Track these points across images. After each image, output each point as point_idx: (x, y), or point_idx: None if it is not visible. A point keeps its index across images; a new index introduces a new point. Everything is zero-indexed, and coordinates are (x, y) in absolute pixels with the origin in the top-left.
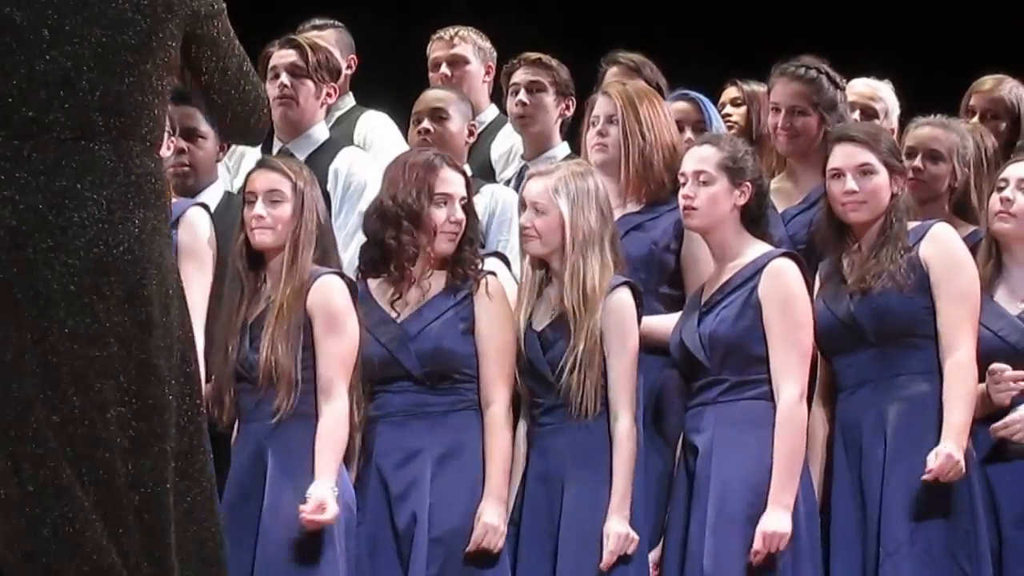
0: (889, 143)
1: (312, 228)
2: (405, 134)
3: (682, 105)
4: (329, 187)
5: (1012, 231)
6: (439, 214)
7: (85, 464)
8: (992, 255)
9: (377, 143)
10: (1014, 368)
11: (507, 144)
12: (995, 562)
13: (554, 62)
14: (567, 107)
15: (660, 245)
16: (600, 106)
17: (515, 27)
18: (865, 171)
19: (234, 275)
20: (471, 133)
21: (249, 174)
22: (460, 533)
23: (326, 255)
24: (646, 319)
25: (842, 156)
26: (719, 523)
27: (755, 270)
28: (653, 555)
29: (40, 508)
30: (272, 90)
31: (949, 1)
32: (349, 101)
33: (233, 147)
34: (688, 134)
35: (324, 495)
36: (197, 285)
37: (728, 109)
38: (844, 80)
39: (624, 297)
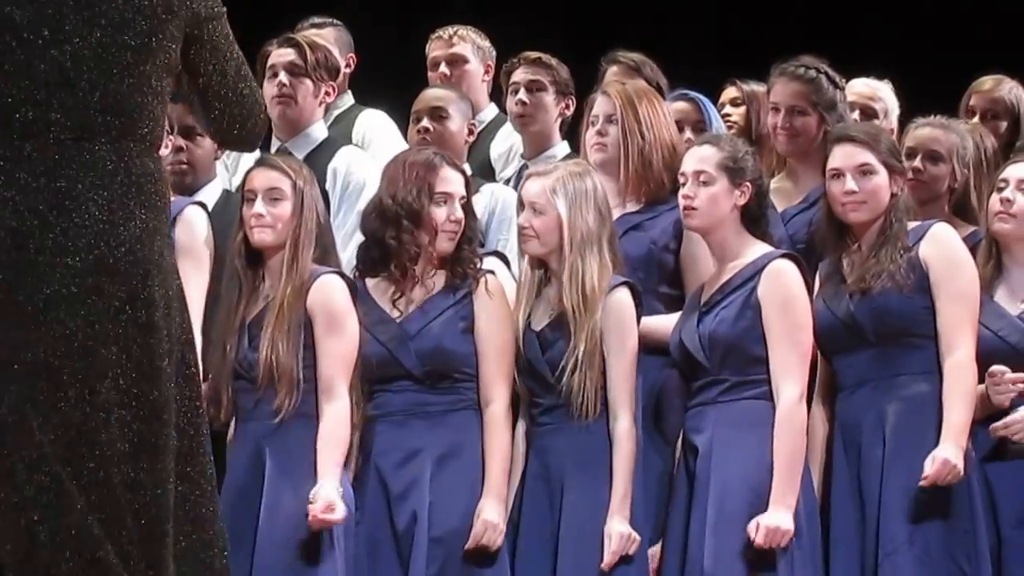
0: (889, 143)
1: (312, 227)
2: (404, 133)
3: (682, 105)
4: (327, 186)
5: (1012, 231)
6: (439, 213)
7: (84, 466)
8: (992, 255)
9: (376, 142)
10: (1014, 368)
11: (507, 143)
12: (994, 562)
13: (554, 61)
14: (567, 106)
15: (659, 245)
16: (599, 105)
17: (515, 26)
18: (865, 171)
19: (232, 273)
20: (471, 132)
21: (248, 172)
22: (460, 533)
23: (326, 254)
24: (645, 319)
25: (842, 156)
26: (719, 523)
27: (755, 271)
28: (652, 551)
29: (37, 510)
30: (270, 89)
31: (949, 1)
32: (348, 100)
33: None
34: (688, 134)
35: (332, 495)
36: (194, 284)
37: (728, 109)
38: (843, 80)
39: (623, 297)
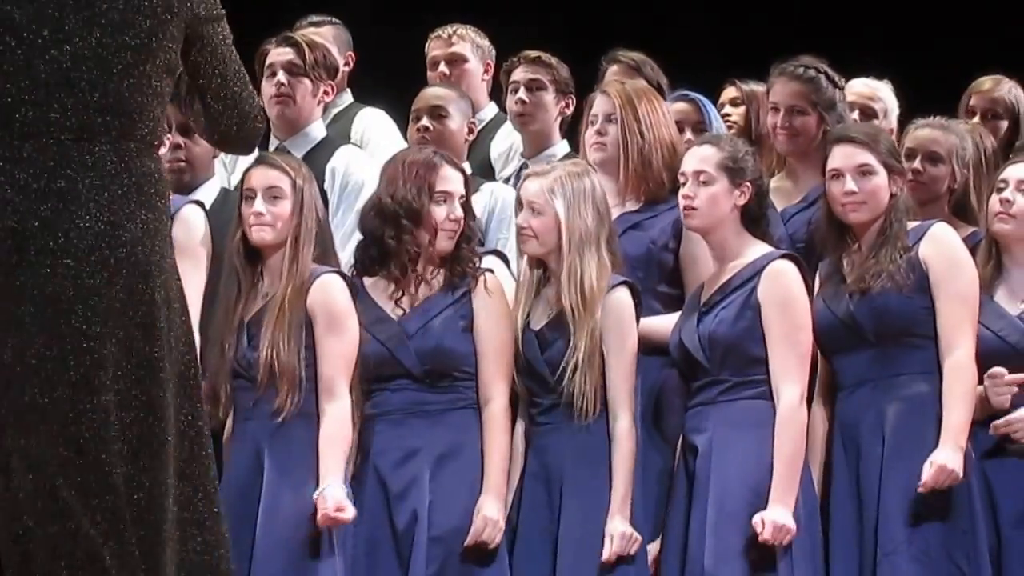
0: (888, 144)
1: (312, 226)
2: (404, 132)
3: (682, 106)
4: (326, 186)
5: (1012, 232)
6: (439, 212)
7: (84, 467)
8: (992, 256)
9: (374, 140)
10: (1014, 368)
11: (507, 142)
12: (994, 562)
13: (554, 60)
14: (567, 105)
15: (658, 244)
16: (599, 105)
17: (515, 26)
18: (864, 172)
19: (231, 272)
20: (471, 131)
21: (247, 170)
22: (460, 532)
23: (325, 253)
24: (644, 320)
25: (841, 157)
26: (719, 522)
27: (755, 271)
28: (652, 548)
29: (34, 512)
30: (269, 88)
31: (948, 1)
32: (347, 98)
33: None
34: (688, 135)
35: (340, 495)
36: (191, 283)
37: (727, 109)
38: (843, 80)
39: (623, 297)
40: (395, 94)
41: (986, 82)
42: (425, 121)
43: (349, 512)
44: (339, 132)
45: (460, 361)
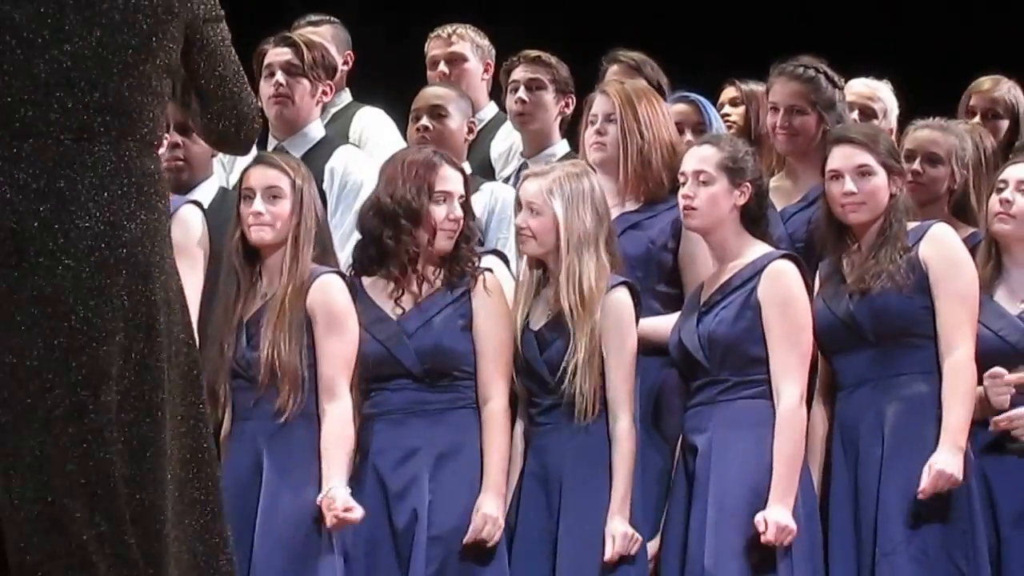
0: (887, 144)
1: (311, 225)
2: (403, 131)
3: (682, 107)
4: (325, 186)
5: (1012, 232)
6: (438, 212)
7: (84, 468)
8: (992, 256)
9: (373, 140)
10: (1014, 367)
11: (507, 142)
12: (994, 561)
13: (553, 60)
14: (567, 105)
15: (658, 244)
16: (598, 105)
17: (515, 25)
18: (863, 172)
19: (230, 271)
20: (470, 131)
21: (245, 170)
22: (459, 532)
23: (324, 253)
24: (643, 320)
25: (840, 157)
26: (719, 522)
27: (755, 271)
28: (651, 546)
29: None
30: (267, 89)
31: (948, 1)
32: (346, 97)
33: None
34: (688, 136)
35: (347, 496)
36: (189, 283)
37: (727, 109)
38: (842, 79)
39: (622, 297)
40: (394, 94)
41: (986, 82)
42: (425, 121)
43: (358, 512)
44: (338, 131)
45: (459, 360)
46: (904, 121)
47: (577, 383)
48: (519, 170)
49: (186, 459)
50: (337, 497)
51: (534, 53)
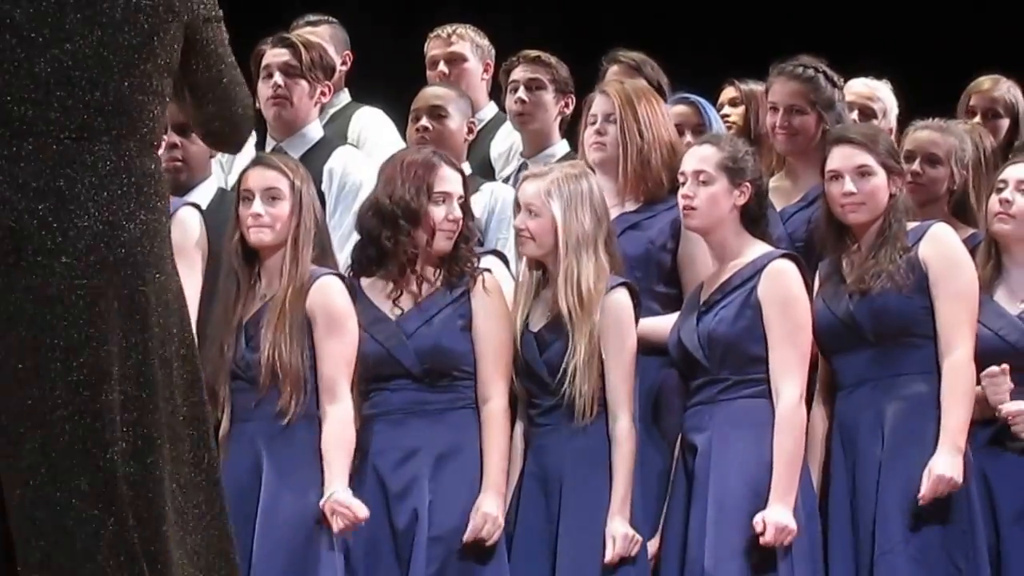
0: (887, 144)
1: (310, 226)
2: (403, 132)
3: (682, 108)
4: (323, 187)
5: (1011, 232)
6: (437, 212)
7: (86, 468)
8: (991, 256)
9: (371, 140)
10: (1014, 367)
11: (507, 142)
12: (993, 561)
13: (553, 60)
14: (566, 105)
15: (657, 244)
16: (598, 105)
17: (515, 26)
18: (863, 172)
19: (229, 272)
20: (470, 131)
21: (244, 171)
22: (459, 532)
23: (323, 254)
24: (643, 320)
25: (840, 158)
26: (719, 522)
27: (755, 270)
28: (651, 544)
29: (38, 514)
30: (265, 90)
31: (948, 1)
32: (344, 97)
33: None
34: (688, 137)
35: (351, 498)
36: (187, 285)
37: (726, 109)
38: (842, 79)
39: (622, 298)
40: (393, 94)
41: (985, 82)
42: (424, 121)
43: (363, 512)
44: (336, 132)
45: (459, 361)
46: (904, 121)
47: (576, 384)
48: (519, 170)
49: (188, 459)
50: (342, 499)
51: (534, 53)
